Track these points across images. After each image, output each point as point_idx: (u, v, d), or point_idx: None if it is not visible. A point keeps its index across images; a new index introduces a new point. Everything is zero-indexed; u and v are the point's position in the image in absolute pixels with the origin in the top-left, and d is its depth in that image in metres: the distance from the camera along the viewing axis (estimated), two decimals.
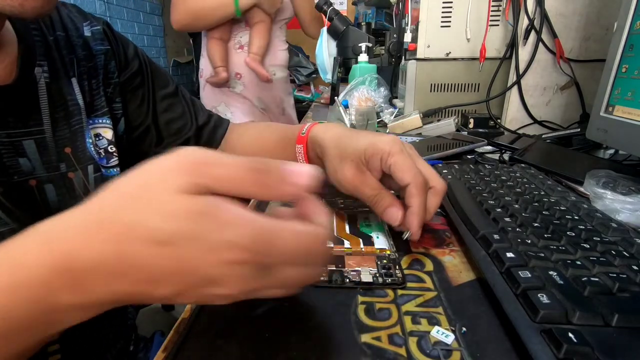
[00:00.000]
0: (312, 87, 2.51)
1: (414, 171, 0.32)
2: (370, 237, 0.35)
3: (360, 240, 0.34)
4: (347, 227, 0.37)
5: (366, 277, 0.29)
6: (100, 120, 0.46)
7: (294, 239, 0.20)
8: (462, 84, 0.89)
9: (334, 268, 0.31)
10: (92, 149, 0.44)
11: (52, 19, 0.44)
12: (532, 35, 0.75)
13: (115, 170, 0.47)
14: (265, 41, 1.29)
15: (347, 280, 0.29)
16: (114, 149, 0.47)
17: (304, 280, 0.21)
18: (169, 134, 0.54)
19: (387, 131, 0.84)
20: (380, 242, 0.34)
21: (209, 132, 0.57)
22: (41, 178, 0.40)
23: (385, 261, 0.32)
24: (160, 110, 0.54)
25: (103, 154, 0.46)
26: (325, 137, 0.39)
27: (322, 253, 0.22)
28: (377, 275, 0.30)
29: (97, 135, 0.46)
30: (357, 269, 0.31)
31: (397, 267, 0.31)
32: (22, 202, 0.38)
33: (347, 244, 0.34)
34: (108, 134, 0.46)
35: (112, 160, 0.47)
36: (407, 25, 0.97)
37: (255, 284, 0.19)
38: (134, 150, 0.52)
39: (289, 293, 0.21)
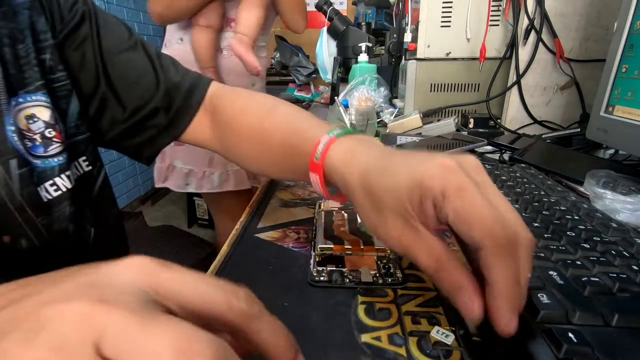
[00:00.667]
0: (312, 87, 2.51)
1: (488, 222, 0.20)
2: (371, 236, 0.35)
3: (361, 241, 0.34)
4: (347, 227, 0.37)
5: (366, 277, 0.30)
6: (31, 98, 0.35)
7: None
8: (462, 84, 0.89)
9: (334, 268, 0.31)
10: (15, 138, 0.34)
11: None
12: (532, 35, 0.75)
13: (56, 160, 0.36)
14: (257, 18, 0.90)
15: (347, 280, 0.29)
16: (54, 133, 0.36)
17: None
18: (131, 100, 0.43)
19: (387, 131, 0.84)
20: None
21: (182, 96, 0.44)
22: None
23: (385, 261, 0.32)
24: (115, 70, 0.42)
25: (39, 140, 0.35)
26: (348, 174, 0.27)
27: None
28: (377, 275, 0.30)
29: (30, 117, 0.35)
30: (357, 269, 0.31)
31: (397, 267, 0.31)
32: None
33: (347, 244, 0.34)
34: (44, 114, 0.36)
35: (52, 147, 0.36)
36: (407, 25, 0.97)
37: None
38: (97, 134, 0.42)
39: None
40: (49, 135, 0.36)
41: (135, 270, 0.15)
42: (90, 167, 0.41)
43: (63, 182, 0.37)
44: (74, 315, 0.13)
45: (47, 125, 0.36)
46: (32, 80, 0.36)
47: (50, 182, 0.36)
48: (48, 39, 0.37)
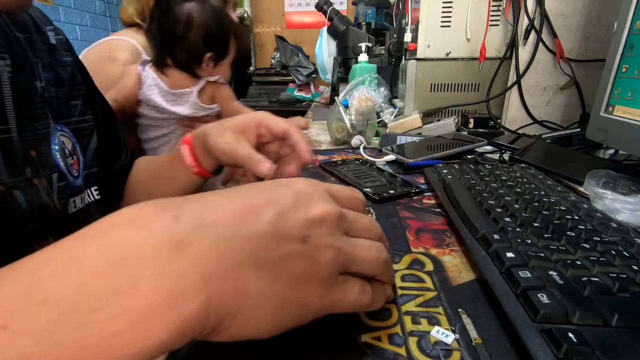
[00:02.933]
0: (312, 87, 2.51)
1: (285, 122, 0.42)
2: None
3: None
4: None
5: None
6: (62, 128, 0.44)
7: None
8: (462, 84, 0.89)
9: None
10: (58, 156, 0.41)
11: (16, 17, 0.41)
12: (532, 35, 0.75)
13: (79, 181, 0.45)
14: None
15: None
16: (72, 161, 0.45)
17: (377, 253, 0.22)
18: (118, 153, 0.55)
19: (387, 131, 0.84)
20: None
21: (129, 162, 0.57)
22: (8, 184, 0.36)
23: None
24: (109, 127, 0.53)
25: (70, 162, 0.44)
26: (208, 126, 0.44)
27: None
28: None
29: (63, 143, 0.43)
30: None
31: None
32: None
33: None
34: (68, 144, 0.44)
35: (74, 171, 0.45)
36: (407, 25, 0.97)
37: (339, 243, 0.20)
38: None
39: (372, 266, 0.22)
40: (70, 162, 0.45)
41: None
42: (99, 197, 0.49)
43: (78, 202, 0.45)
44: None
45: (70, 153, 0.45)
46: (66, 116, 0.45)
47: (75, 197, 0.45)
48: (82, 90, 0.48)
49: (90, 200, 0.47)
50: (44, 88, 0.42)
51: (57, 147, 0.42)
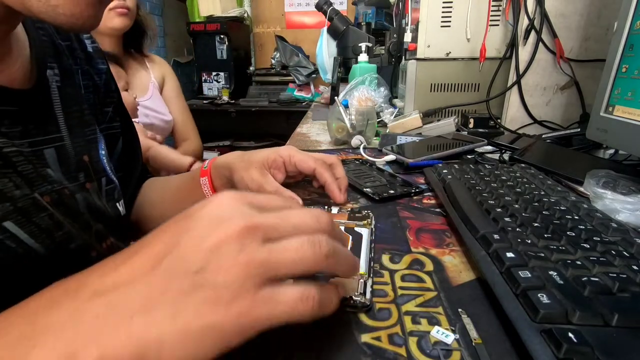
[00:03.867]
0: (312, 87, 2.51)
1: (313, 159, 0.43)
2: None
3: None
4: None
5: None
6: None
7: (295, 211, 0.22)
8: (462, 84, 0.89)
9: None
10: (105, 161, 0.44)
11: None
12: (532, 35, 0.75)
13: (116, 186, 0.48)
14: None
15: None
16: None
17: (310, 248, 0.20)
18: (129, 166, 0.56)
19: (387, 131, 0.84)
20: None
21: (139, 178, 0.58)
22: (70, 188, 0.37)
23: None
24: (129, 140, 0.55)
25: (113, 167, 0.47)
26: (229, 158, 0.45)
27: (324, 221, 0.22)
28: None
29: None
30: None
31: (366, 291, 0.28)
32: (69, 210, 0.36)
33: None
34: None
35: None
36: (407, 25, 0.97)
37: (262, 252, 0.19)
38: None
39: (305, 266, 0.20)
40: (113, 167, 0.47)
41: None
42: (125, 213, 0.49)
43: (123, 205, 0.47)
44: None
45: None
46: (98, 123, 0.46)
47: (121, 200, 0.46)
48: (115, 97, 0.50)
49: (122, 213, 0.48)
50: (84, 96, 0.44)
51: (103, 152, 0.44)
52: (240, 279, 0.18)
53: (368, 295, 0.27)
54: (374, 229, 0.38)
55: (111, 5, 0.93)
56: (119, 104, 0.52)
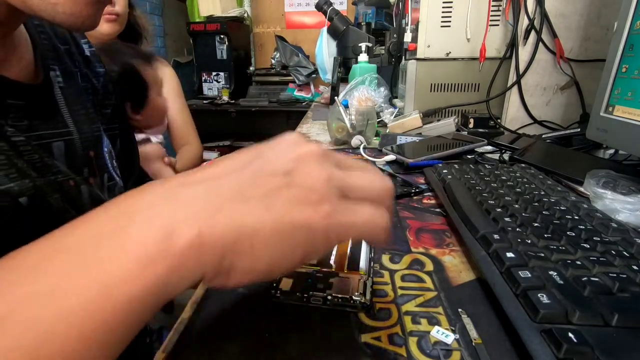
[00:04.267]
0: (312, 87, 2.51)
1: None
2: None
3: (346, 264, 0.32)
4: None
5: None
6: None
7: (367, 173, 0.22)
8: (462, 84, 0.89)
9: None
10: (107, 158, 0.45)
11: (57, 30, 0.44)
12: (532, 35, 0.75)
13: (121, 182, 0.48)
14: None
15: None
16: (116, 164, 0.49)
17: (374, 215, 0.20)
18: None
19: (387, 131, 0.84)
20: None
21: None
22: (76, 179, 0.38)
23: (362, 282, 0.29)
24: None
25: (115, 164, 0.47)
26: None
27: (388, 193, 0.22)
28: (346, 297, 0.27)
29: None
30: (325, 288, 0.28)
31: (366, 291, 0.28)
32: (73, 201, 0.37)
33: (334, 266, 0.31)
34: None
35: (119, 172, 0.48)
36: (407, 25, 0.97)
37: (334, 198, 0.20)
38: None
39: (363, 227, 0.20)
40: (115, 164, 0.47)
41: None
42: None
43: None
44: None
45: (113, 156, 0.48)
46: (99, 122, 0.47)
47: None
48: (113, 100, 0.50)
49: None
50: (85, 96, 0.44)
51: (106, 149, 0.45)
52: (325, 186, 0.19)
53: (368, 295, 0.27)
54: None
55: None
56: (117, 106, 0.52)
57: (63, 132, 0.39)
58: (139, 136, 0.94)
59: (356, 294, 0.27)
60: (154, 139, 0.97)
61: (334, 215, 0.19)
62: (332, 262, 0.31)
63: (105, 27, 0.97)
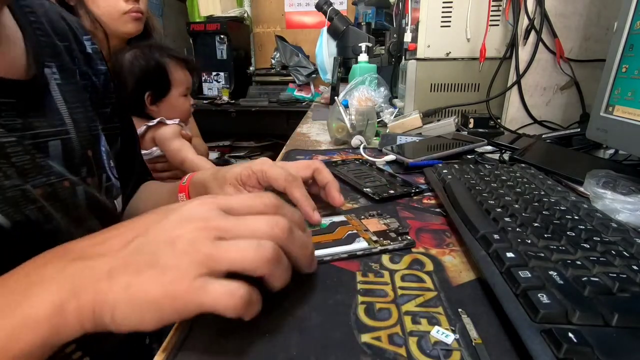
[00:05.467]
0: (312, 87, 2.51)
1: (284, 176, 0.38)
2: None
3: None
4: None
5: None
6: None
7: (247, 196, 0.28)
8: (462, 84, 0.89)
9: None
10: (104, 157, 0.44)
11: (57, 26, 0.43)
12: (532, 35, 0.75)
13: (118, 183, 0.47)
14: None
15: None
16: (113, 164, 0.48)
17: (253, 252, 0.23)
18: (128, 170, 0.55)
19: (387, 131, 0.84)
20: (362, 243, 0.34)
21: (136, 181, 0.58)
22: (72, 180, 0.38)
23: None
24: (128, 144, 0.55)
25: (112, 164, 0.47)
26: (204, 176, 0.44)
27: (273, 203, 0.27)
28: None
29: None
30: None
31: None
32: (63, 204, 0.37)
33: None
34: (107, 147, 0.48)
35: (115, 173, 0.47)
36: (407, 25, 0.97)
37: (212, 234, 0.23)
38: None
39: (260, 248, 0.23)
40: (112, 164, 0.47)
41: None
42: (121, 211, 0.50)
43: (119, 203, 0.48)
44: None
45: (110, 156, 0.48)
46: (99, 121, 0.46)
47: (118, 199, 0.47)
48: (113, 98, 0.50)
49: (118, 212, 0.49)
50: (84, 94, 0.44)
51: (104, 149, 0.45)
52: (184, 266, 0.22)
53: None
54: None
55: (126, 8, 0.91)
56: (117, 104, 0.52)
57: (60, 131, 0.38)
58: (153, 121, 0.95)
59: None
60: (168, 121, 0.97)
61: (182, 296, 0.21)
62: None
63: (130, 27, 0.96)
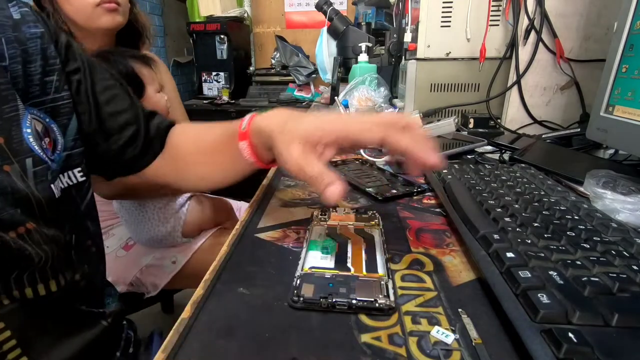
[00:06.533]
0: (312, 87, 2.51)
1: (375, 124, 0.32)
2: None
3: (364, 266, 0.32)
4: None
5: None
6: (32, 111, 0.41)
7: None
8: (462, 84, 0.89)
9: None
10: (30, 139, 0.39)
11: None
12: (532, 35, 0.75)
13: (55, 165, 0.42)
14: None
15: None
16: (46, 144, 0.42)
17: None
18: (114, 128, 0.48)
19: None
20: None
21: (156, 127, 0.52)
22: None
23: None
24: (102, 102, 0.47)
25: (45, 145, 0.41)
26: (270, 123, 0.38)
27: None
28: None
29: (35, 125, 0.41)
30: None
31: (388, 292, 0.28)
32: None
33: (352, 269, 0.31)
34: (39, 126, 0.41)
35: (49, 154, 0.42)
36: (407, 25, 0.97)
37: None
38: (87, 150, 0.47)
39: None
40: (44, 145, 0.41)
41: None
42: (84, 178, 0.46)
43: (58, 185, 0.42)
44: None
45: (41, 135, 0.41)
46: (36, 96, 0.41)
47: (55, 182, 0.42)
48: (57, 64, 0.43)
49: (71, 183, 0.45)
50: (7, 67, 0.38)
51: (29, 130, 0.39)
52: None
53: (392, 297, 0.27)
54: (382, 230, 0.38)
55: (97, 0, 0.83)
56: (72, 71, 0.45)
57: None
58: None
59: (380, 296, 0.27)
60: None
61: None
62: (349, 264, 0.32)
63: (105, 20, 0.88)
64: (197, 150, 0.50)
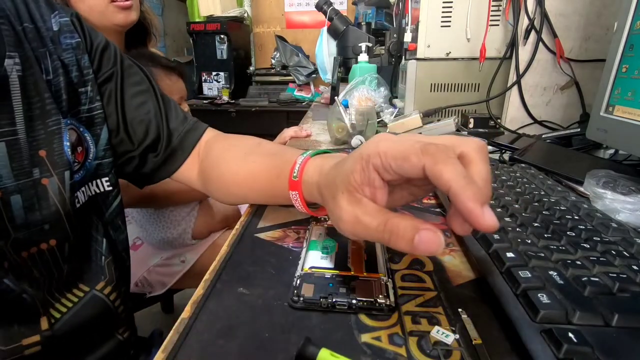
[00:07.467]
0: (312, 87, 2.51)
1: (422, 149, 0.23)
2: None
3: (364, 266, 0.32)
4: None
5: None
6: (71, 121, 0.42)
7: None
8: (462, 84, 0.89)
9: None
10: (69, 152, 0.40)
11: (18, 8, 0.39)
12: (532, 35, 0.75)
13: (78, 175, 0.42)
14: None
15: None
16: (77, 154, 0.43)
17: None
18: (138, 135, 0.48)
19: (387, 131, 0.84)
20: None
21: (179, 137, 0.50)
22: (7, 188, 0.35)
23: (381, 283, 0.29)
24: (129, 109, 0.47)
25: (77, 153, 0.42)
26: (315, 176, 0.33)
27: None
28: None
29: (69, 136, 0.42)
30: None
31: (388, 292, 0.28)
32: None
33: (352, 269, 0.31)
34: (73, 136, 0.42)
35: (76, 165, 0.42)
36: (407, 25, 0.97)
37: None
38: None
39: None
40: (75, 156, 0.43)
41: None
42: (110, 188, 0.47)
43: (81, 196, 0.43)
44: None
45: (74, 145, 0.42)
46: (74, 106, 0.42)
47: (78, 192, 0.43)
48: (90, 74, 0.44)
49: (97, 192, 0.46)
50: (51, 81, 0.40)
51: (68, 144, 0.40)
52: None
53: (392, 297, 0.27)
54: None
55: None
56: (105, 81, 0.46)
57: (7, 132, 0.35)
58: None
59: (380, 296, 0.27)
60: None
61: None
62: (349, 264, 0.32)
63: (119, 17, 0.87)
64: (237, 171, 0.45)
